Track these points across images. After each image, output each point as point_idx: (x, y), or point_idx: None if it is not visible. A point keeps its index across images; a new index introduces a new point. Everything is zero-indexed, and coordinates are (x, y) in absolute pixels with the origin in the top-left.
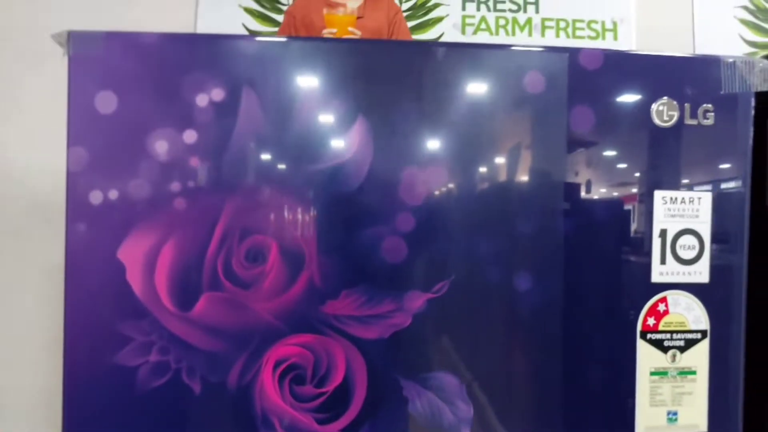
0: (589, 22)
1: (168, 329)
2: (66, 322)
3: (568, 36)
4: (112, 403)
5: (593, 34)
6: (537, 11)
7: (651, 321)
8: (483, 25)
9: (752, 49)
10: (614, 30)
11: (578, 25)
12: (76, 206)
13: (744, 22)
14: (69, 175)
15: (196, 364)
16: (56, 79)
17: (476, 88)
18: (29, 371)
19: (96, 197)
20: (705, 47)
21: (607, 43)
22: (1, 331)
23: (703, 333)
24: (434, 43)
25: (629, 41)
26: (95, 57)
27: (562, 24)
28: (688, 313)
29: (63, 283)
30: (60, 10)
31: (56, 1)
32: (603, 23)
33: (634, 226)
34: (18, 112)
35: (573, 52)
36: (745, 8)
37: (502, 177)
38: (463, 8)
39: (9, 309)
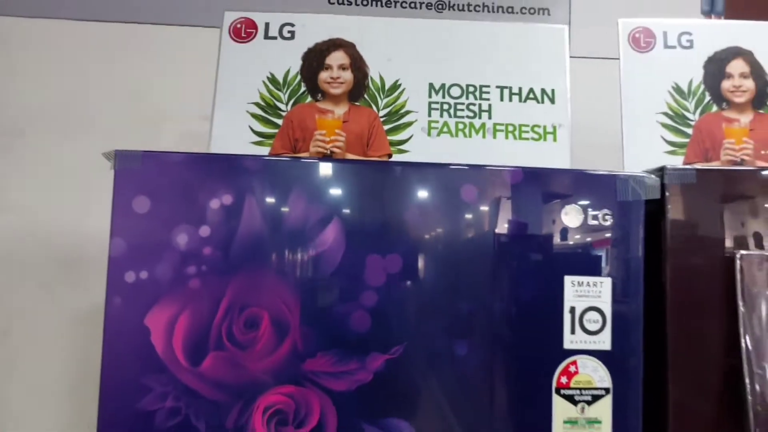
0: (533, 126)
1: (181, 381)
2: (102, 375)
3: (515, 138)
4: None
5: (536, 136)
6: (490, 117)
7: (564, 380)
8: (445, 129)
9: (672, 148)
10: (554, 133)
11: (524, 128)
12: (114, 283)
13: (665, 125)
14: (110, 259)
15: (201, 410)
16: (84, 154)
17: (424, 196)
18: (55, 413)
19: (130, 277)
20: (632, 147)
21: (548, 144)
22: (31, 374)
23: (607, 390)
24: (393, 163)
25: (566, 142)
26: (134, 170)
27: (510, 128)
28: (594, 373)
29: (85, 330)
30: (97, 97)
31: (95, 91)
32: (545, 127)
33: (550, 304)
34: (50, 182)
35: (499, 170)
36: (666, 114)
37: (444, 266)
38: (429, 114)
39: (37, 354)
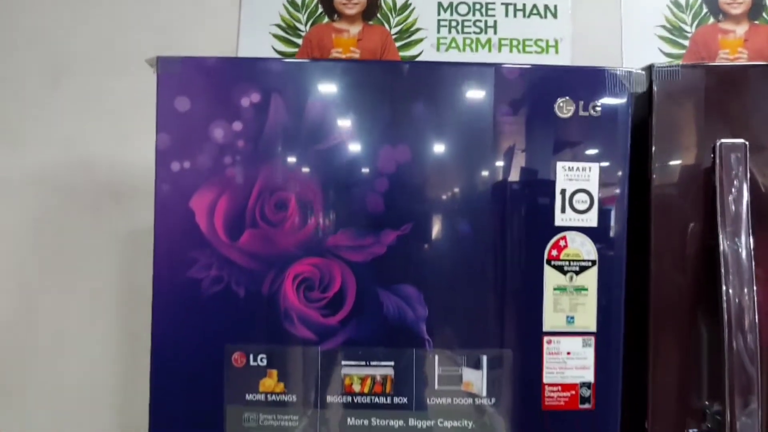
0: (536, 40)
1: (223, 254)
2: (155, 249)
3: (519, 51)
4: (186, 303)
5: (539, 50)
6: (495, 33)
7: (554, 252)
8: (453, 44)
9: (668, 59)
10: (556, 46)
11: (527, 43)
12: (162, 172)
13: (662, 38)
14: (157, 152)
15: (241, 278)
16: (125, 89)
17: (429, 93)
18: (103, 323)
19: (175, 166)
20: (631, 59)
21: (551, 57)
22: (81, 288)
23: (593, 262)
24: (401, 63)
25: (567, 55)
26: (175, 73)
27: (515, 42)
28: (582, 247)
29: (129, 249)
30: (133, 33)
31: (131, 27)
32: (547, 41)
33: (543, 186)
34: (94, 116)
35: (497, 67)
36: (663, 27)
37: (449, 155)
38: (438, 31)
39: (87, 269)
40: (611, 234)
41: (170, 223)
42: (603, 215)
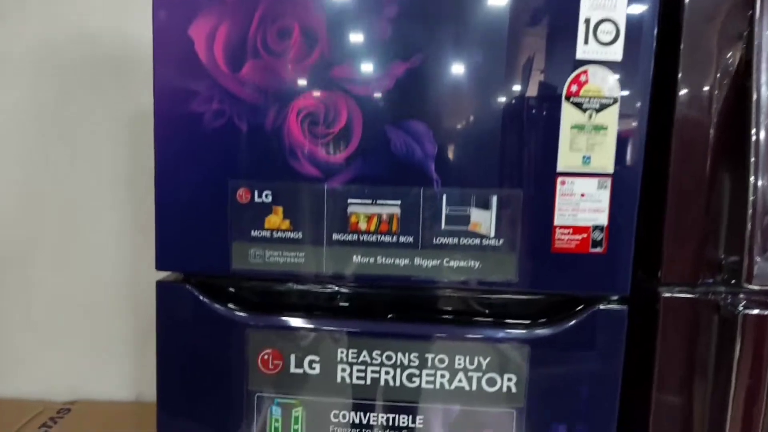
0: None
1: (224, 86)
2: (155, 83)
3: None
4: (189, 137)
5: None
6: None
7: (574, 88)
8: None
9: None
10: None
11: None
12: None
13: None
14: None
15: (243, 112)
16: None
17: None
18: (111, 199)
19: None
20: None
21: None
22: (84, 166)
23: (615, 99)
24: None
25: None
26: None
27: None
28: (604, 83)
29: (134, 130)
30: None
31: None
32: None
33: (566, 14)
34: None
35: None
36: None
37: None
38: None
39: (91, 147)
40: (636, 69)
41: (169, 54)
42: (628, 48)
